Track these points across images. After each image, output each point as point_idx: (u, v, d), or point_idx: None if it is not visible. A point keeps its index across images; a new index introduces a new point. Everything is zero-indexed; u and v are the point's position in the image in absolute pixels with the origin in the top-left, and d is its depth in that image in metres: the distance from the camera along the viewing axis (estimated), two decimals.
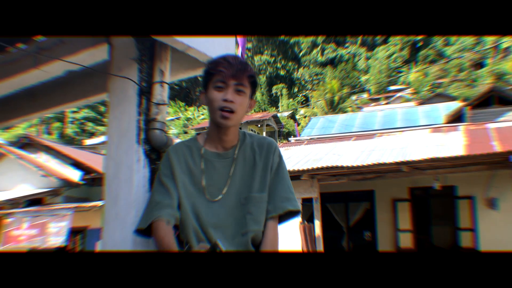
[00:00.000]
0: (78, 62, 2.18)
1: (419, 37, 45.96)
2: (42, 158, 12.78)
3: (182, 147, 1.67)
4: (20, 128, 27.44)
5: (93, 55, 2.20)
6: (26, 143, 13.44)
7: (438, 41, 45.41)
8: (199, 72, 2.30)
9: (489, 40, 37.29)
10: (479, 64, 38.37)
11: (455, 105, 19.62)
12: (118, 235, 1.88)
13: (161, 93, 1.98)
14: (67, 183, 11.61)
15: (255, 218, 1.59)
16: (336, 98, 33.35)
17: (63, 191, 11.65)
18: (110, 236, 1.92)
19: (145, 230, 1.59)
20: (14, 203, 10.98)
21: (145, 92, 1.96)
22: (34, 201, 11.40)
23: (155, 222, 1.54)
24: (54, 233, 9.06)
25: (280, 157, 1.70)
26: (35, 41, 2.31)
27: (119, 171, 1.92)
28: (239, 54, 3.44)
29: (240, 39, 3.47)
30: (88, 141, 22.33)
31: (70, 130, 32.44)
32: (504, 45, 33.71)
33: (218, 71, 1.54)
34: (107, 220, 1.95)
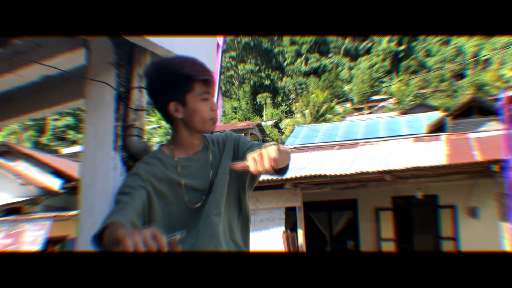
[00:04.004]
0: (55, 66, 2.12)
1: (401, 48, 46.61)
2: (21, 166, 12.52)
3: (152, 160, 1.58)
4: None
5: (71, 59, 2.15)
6: (4, 151, 13.16)
7: (420, 52, 46.11)
8: None
9: (469, 51, 38.01)
10: (459, 75, 39.02)
11: (437, 115, 19.89)
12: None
13: (139, 98, 1.93)
14: (46, 192, 11.39)
15: (222, 198, 1.54)
16: (320, 107, 33.55)
17: (43, 200, 11.42)
18: (85, 246, 1.86)
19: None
20: None
21: (123, 98, 1.91)
22: (12, 210, 11.16)
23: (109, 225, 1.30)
24: (29, 242, 8.83)
25: (240, 136, 1.68)
26: (11, 44, 2.24)
27: (95, 179, 1.86)
28: (218, 57, 3.41)
29: (217, 42, 3.44)
30: (68, 149, 22.02)
31: (44, 138, 31.84)
32: (484, 57, 34.36)
33: (203, 80, 1.48)
34: (82, 230, 1.88)
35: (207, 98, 1.50)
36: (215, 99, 1.51)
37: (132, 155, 1.90)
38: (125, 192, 1.47)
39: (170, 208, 1.53)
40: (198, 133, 1.57)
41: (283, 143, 20.37)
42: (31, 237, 8.94)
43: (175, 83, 1.49)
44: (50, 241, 9.92)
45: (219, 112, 1.56)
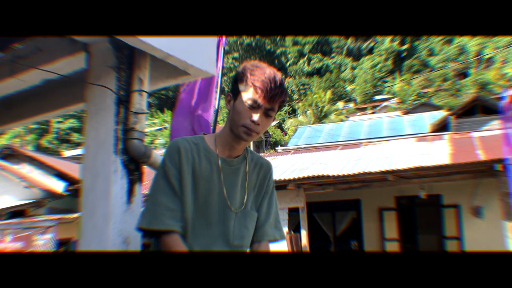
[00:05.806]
0: (55, 70, 2.13)
1: (404, 47, 46.51)
2: (25, 169, 12.57)
3: (190, 145, 1.57)
4: (3, 139, 27.06)
5: (71, 63, 2.16)
6: (8, 154, 13.22)
7: (422, 51, 45.98)
8: (179, 81, 2.26)
9: (472, 50, 37.88)
10: (463, 74, 38.87)
11: (440, 114, 19.84)
12: (95, 248, 1.82)
13: (139, 102, 1.94)
14: (50, 194, 11.43)
15: (250, 234, 1.62)
16: (324, 108, 33.52)
17: (47, 202, 11.46)
18: (87, 248, 1.87)
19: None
20: None
21: (123, 101, 1.92)
22: (16, 213, 11.20)
23: (168, 233, 1.45)
24: (41, 246, 8.89)
25: (273, 182, 1.75)
26: (12, 49, 2.26)
27: (96, 182, 1.87)
28: (220, 58, 3.41)
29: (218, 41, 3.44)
30: (71, 152, 22.08)
31: (44, 140, 31.86)
32: (487, 56, 34.24)
33: (257, 88, 1.51)
34: (84, 233, 1.89)
35: (254, 107, 1.51)
36: (261, 113, 1.52)
37: (133, 158, 1.91)
38: (172, 184, 1.50)
39: (201, 196, 1.54)
40: (239, 138, 1.56)
41: (286, 143, 20.34)
42: (41, 240, 9.01)
43: (241, 79, 1.58)
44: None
45: (259, 128, 1.55)
